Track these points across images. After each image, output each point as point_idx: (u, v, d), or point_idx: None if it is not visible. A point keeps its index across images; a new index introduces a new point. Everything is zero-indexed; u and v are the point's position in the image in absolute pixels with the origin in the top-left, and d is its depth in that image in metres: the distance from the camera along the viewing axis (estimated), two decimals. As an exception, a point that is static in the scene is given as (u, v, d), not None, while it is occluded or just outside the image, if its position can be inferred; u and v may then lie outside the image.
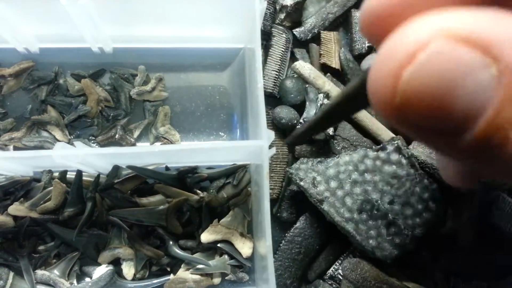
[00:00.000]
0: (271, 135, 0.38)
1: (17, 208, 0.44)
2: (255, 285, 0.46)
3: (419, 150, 0.47)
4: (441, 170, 0.22)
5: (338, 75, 0.52)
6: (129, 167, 0.44)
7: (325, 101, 0.47)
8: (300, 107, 0.50)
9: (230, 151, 0.41)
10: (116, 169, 0.45)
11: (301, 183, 0.45)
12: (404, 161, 0.46)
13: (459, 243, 0.50)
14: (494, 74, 0.11)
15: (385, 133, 0.50)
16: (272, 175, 0.49)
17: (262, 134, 0.37)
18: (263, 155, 0.38)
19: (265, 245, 0.37)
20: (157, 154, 0.39)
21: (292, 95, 0.49)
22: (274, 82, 0.51)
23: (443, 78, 0.12)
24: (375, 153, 0.46)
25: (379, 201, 0.44)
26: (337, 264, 0.48)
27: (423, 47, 0.12)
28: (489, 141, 0.12)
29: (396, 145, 0.46)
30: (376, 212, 0.44)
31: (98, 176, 0.45)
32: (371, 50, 0.53)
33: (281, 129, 0.50)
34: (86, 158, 0.38)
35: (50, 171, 0.46)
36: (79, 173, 0.43)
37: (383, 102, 0.13)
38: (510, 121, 0.11)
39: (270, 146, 0.39)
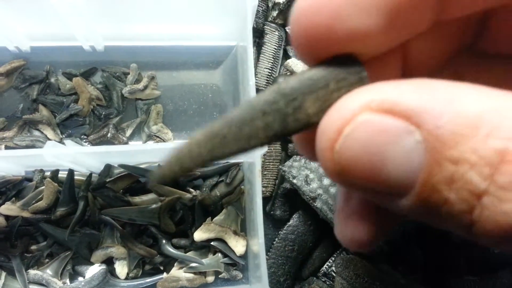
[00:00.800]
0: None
1: (8, 208, 0.44)
2: (248, 283, 0.46)
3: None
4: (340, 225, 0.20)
5: (330, 72, 0.52)
6: (121, 165, 0.44)
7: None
8: (293, 105, 0.50)
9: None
10: (108, 168, 0.45)
11: (294, 181, 0.45)
12: (396, 158, 0.46)
13: (451, 239, 0.50)
14: (418, 139, 0.12)
15: (377, 130, 0.50)
16: (265, 173, 0.49)
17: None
18: (255, 152, 0.38)
19: (258, 242, 0.37)
20: (149, 152, 0.39)
21: (285, 93, 0.49)
22: (267, 80, 0.51)
23: (370, 147, 0.13)
24: (368, 150, 0.46)
25: (372, 198, 0.44)
26: (331, 261, 0.48)
27: (348, 122, 0.13)
28: (428, 202, 0.13)
29: (388, 142, 0.46)
30: (368, 209, 0.44)
31: (90, 175, 0.45)
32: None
33: (274, 127, 0.50)
34: (77, 157, 0.38)
35: (41, 171, 0.45)
36: (71, 172, 0.43)
37: (326, 169, 0.15)
38: (442, 182, 0.12)
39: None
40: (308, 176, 0.45)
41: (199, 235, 0.45)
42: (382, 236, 0.18)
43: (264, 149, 0.39)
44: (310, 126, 0.15)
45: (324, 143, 0.14)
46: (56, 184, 0.44)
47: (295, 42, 0.16)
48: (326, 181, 0.45)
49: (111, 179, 0.44)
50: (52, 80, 0.49)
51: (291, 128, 0.15)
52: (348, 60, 0.16)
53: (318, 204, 0.44)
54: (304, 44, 0.15)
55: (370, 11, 0.14)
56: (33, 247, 0.45)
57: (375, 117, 0.13)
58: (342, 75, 0.15)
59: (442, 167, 0.12)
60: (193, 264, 0.45)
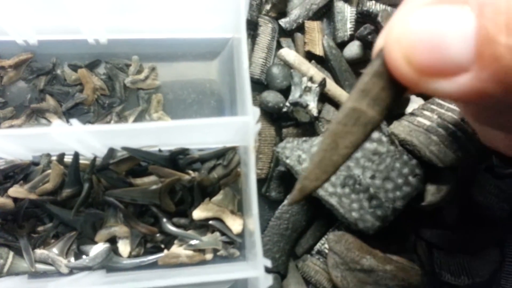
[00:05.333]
0: (256, 111, 0.40)
1: (17, 190, 0.46)
2: (245, 260, 0.48)
3: (399, 128, 0.50)
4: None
5: (322, 61, 0.55)
6: (124, 148, 0.46)
7: (309, 83, 0.50)
8: (286, 92, 0.52)
9: (218, 128, 0.43)
10: (111, 151, 0.47)
11: (287, 161, 0.48)
12: (384, 138, 0.48)
13: (443, 219, 0.52)
14: (468, 10, 0.15)
15: (366, 114, 0.52)
16: (260, 156, 0.52)
17: (248, 110, 0.40)
18: (249, 130, 0.40)
19: (252, 213, 0.39)
20: (150, 133, 0.42)
21: (278, 81, 0.52)
22: (261, 69, 0.54)
23: (431, 27, 0.16)
24: (357, 131, 0.48)
25: (361, 176, 0.47)
26: (324, 239, 0.50)
27: (410, 15, 0.17)
28: (491, 58, 0.15)
29: (376, 124, 0.48)
30: (358, 186, 0.47)
31: (95, 159, 0.47)
32: (352, 38, 0.56)
33: (268, 113, 0.53)
34: (83, 137, 0.40)
35: (48, 155, 0.48)
36: (76, 154, 0.46)
37: (394, 61, 0.18)
38: (499, 31, 0.14)
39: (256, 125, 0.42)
40: (300, 156, 0.48)
41: (197, 213, 0.47)
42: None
43: (258, 126, 0.41)
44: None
45: (391, 37, 0.17)
46: (62, 166, 0.46)
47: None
48: (318, 161, 0.47)
49: (114, 161, 0.46)
50: (58, 71, 0.52)
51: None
52: None
53: (310, 182, 0.47)
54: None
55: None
56: (40, 228, 0.48)
57: (430, 7, 0.16)
58: None
59: (495, 19, 0.14)
60: (192, 242, 0.47)
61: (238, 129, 0.42)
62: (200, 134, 0.45)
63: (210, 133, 0.45)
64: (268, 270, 0.38)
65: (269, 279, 0.37)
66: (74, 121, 0.38)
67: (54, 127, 0.37)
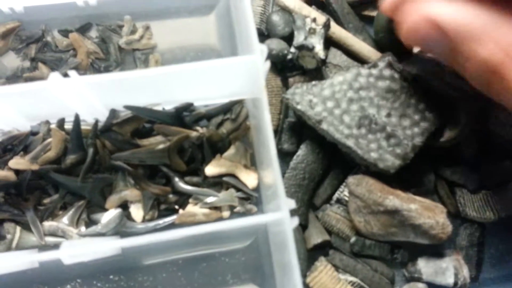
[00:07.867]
0: (264, 48, 0.38)
1: (17, 162, 0.44)
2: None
3: (410, 65, 0.48)
4: None
5: (322, 6, 0.53)
6: (126, 107, 0.44)
7: (313, 25, 0.47)
8: (289, 39, 0.50)
9: (224, 73, 0.41)
10: (113, 112, 0.45)
11: (298, 107, 0.45)
12: (396, 75, 0.46)
13: (462, 156, 0.50)
14: None
15: (374, 55, 0.50)
16: (269, 107, 0.49)
17: (254, 48, 0.37)
18: (258, 69, 0.38)
19: (269, 155, 0.37)
20: (152, 81, 0.39)
21: (280, 28, 0.50)
22: (261, 18, 0.52)
23: None
24: (368, 70, 0.46)
25: (376, 116, 0.45)
26: (342, 187, 0.48)
27: None
28: None
29: (387, 61, 0.47)
30: (374, 126, 0.45)
31: (96, 122, 0.45)
32: (354, -22, 0.53)
33: (273, 62, 0.50)
34: (83, 91, 0.38)
35: (47, 122, 0.45)
36: (77, 117, 0.43)
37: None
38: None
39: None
40: (311, 100, 0.46)
41: (210, 169, 0.45)
42: None
43: (267, 64, 0.38)
44: None
45: None
46: (63, 132, 0.44)
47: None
48: (330, 104, 0.45)
49: (117, 121, 0.44)
50: (49, 38, 0.50)
51: None
52: None
53: (324, 126, 0.45)
54: None
55: None
56: (46, 200, 0.45)
57: None
58: None
59: None
60: (208, 200, 0.45)
61: (245, 71, 0.40)
62: (204, 83, 0.43)
63: (215, 81, 0.43)
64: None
65: (294, 220, 0.35)
66: (72, 72, 0.36)
67: (51, 80, 0.35)
